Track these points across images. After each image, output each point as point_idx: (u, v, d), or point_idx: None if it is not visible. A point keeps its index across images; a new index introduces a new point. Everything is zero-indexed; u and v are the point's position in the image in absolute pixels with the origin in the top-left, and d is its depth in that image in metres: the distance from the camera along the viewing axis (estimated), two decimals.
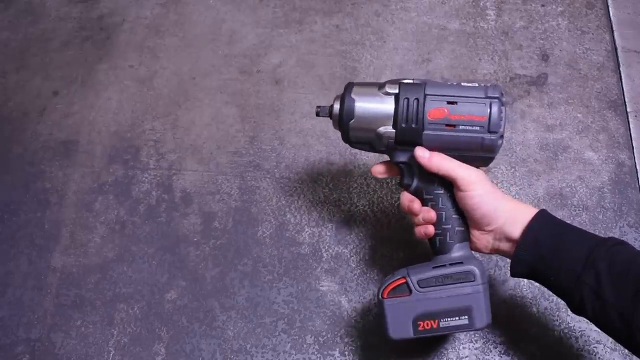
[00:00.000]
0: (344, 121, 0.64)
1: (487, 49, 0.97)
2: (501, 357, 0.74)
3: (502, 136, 0.61)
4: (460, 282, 0.61)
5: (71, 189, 0.91)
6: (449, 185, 0.63)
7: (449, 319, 0.61)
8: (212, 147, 0.93)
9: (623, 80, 0.92)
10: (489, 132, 0.60)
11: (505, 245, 0.62)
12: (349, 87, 0.64)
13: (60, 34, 1.06)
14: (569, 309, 0.59)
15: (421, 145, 0.62)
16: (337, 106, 0.65)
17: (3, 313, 0.82)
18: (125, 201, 0.89)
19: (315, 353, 0.76)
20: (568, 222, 0.61)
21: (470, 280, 0.61)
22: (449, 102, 0.61)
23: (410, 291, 0.62)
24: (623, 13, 0.98)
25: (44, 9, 1.10)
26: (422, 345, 0.75)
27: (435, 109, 0.61)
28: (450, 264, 0.62)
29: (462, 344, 0.75)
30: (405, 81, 0.63)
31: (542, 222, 0.59)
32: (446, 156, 0.62)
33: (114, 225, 0.88)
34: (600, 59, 0.94)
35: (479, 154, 0.62)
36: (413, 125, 0.61)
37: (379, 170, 0.68)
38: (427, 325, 0.61)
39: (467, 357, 0.75)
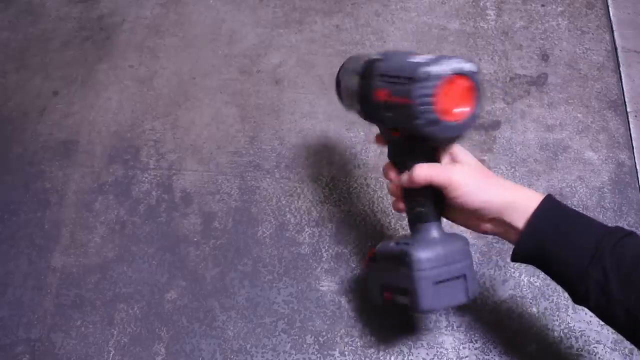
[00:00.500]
0: (339, 94, 0.69)
1: (487, 49, 0.97)
2: (501, 357, 0.74)
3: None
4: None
5: (71, 189, 0.91)
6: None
7: (398, 296, 0.62)
8: (212, 147, 0.93)
9: (623, 80, 0.92)
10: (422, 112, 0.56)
11: (507, 232, 0.59)
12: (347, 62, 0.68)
13: (60, 34, 1.06)
14: (570, 300, 0.57)
15: (383, 122, 0.61)
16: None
17: (3, 313, 0.82)
18: (125, 201, 0.89)
19: (315, 353, 0.76)
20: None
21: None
22: (385, 85, 0.58)
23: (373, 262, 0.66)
24: (623, 13, 0.98)
25: (44, 9, 1.10)
26: (421, 345, 0.75)
27: (379, 90, 0.58)
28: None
29: (462, 343, 0.75)
30: (372, 57, 0.61)
31: (548, 210, 0.57)
32: (426, 165, 0.59)
33: (114, 225, 0.88)
34: (600, 59, 0.94)
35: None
36: (369, 102, 0.61)
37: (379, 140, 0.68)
38: (388, 297, 0.64)
39: (467, 357, 0.75)
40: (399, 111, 0.56)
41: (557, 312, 0.76)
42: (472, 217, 0.60)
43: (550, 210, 0.57)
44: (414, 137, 0.57)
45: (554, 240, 0.56)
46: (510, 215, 0.57)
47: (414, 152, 0.60)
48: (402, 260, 0.59)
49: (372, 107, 0.60)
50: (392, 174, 0.65)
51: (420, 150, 0.60)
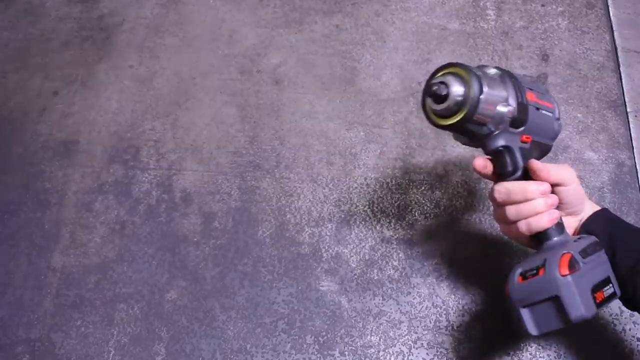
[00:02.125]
0: (471, 103, 0.55)
1: (487, 49, 0.97)
2: (501, 357, 0.74)
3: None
4: (598, 252, 0.58)
5: (71, 189, 0.91)
6: None
7: (605, 288, 0.56)
8: (212, 147, 0.93)
9: (623, 80, 0.92)
10: (556, 119, 0.65)
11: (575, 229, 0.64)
12: (467, 68, 0.56)
13: (60, 34, 1.06)
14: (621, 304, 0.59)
15: (525, 124, 0.60)
16: (460, 89, 0.55)
17: (3, 313, 0.82)
18: (125, 201, 0.89)
19: (315, 353, 0.76)
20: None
21: (600, 249, 0.59)
22: (529, 89, 0.61)
23: (578, 264, 0.55)
24: (623, 13, 0.98)
25: (44, 9, 1.10)
26: (421, 345, 0.75)
27: (528, 92, 0.60)
28: (579, 238, 0.59)
29: (462, 343, 0.75)
30: (490, 70, 0.60)
31: (602, 217, 0.62)
32: (551, 164, 0.61)
33: (114, 225, 0.88)
34: (600, 59, 0.94)
35: (549, 143, 0.66)
36: (525, 102, 0.60)
37: (481, 164, 0.61)
38: (599, 298, 0.55)
39: (467, 357, 0.75)
40: (545, 111, 0.62)
41: None
42: (569, 215, 0.63)
43: (606, 216, 0.62)
44: (538, 143, 0.63)
45: (604, 240, 0.59)
46: (580, 213, 0.63)
47: (532, 158, 0.62)
48: (597, 249, 0.58)
49: (524, 107, 0.59)
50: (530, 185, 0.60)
51: (537, 156, 0.64)
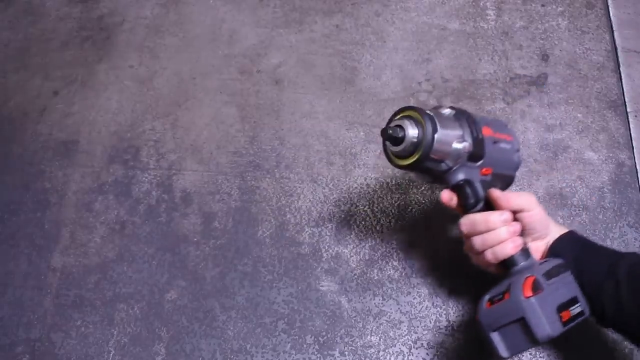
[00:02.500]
0: (426, 143, 0.58)
1: (487, 49, 0.97)
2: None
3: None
4: (563, 273, 0.60)
5: (71, 189, 0.91)
6: None
7: (572, 307, 0.58)
8: (212, 147, 0.93)
9: (623, 80, 0.92)
10: (516, 150, 0.68)
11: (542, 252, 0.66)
12: (421, 111, 0.59)
13: (60, 34, 1.06)
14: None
15: (483, 157, 0.63)
16: (415, 131, 0.58)
17: (3, 313, 0.82)
18: (125, 201, 0.89)
19: (315, 353, 0.76)
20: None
21: (566, 270, 0.61)
22: (486, 125, 0.64)
23: (542, 286, 0.57)
24: (623, 13, 0.98)
25: (44, 9, 1.10)
26: (421, 345, 0.75)
27: (484, 127, 0.64)
28: (544, 262, 0.62)
29: (462, 343, 0.75)
30: (444, 110, 0.64)
31: (569, 238, 0.64)
32: (510, 192, 0.64)
33: (114, 225, 0.88)
34: (600, 59, 0.94)
35: (511, 173, 0.69)
36: (480, 137, 0.63)
37: (447, 197, 0.64)
38: (565, 317, 0.57)
39: (467, 357, 0.75)
40: (503, 144, 0.66)
41: None
42: (534, 240, 0.65)
43: (572, 237, 0.64)
44: (498, 175, 0.66)
45: (574, 257, 0.61)
46: (546, 236, 0.65)
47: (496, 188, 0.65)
48: (562, 270, 0.61)
49: (480, 141, 0.62)
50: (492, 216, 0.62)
51: (502, 187, 0.67)
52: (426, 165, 0.59)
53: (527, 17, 0.99)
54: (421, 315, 0.77)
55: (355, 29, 1.01)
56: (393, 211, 0.85)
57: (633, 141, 0.87)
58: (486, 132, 0.64)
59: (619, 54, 0.94)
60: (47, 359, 0.79)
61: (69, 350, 0.79)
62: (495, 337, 0.57)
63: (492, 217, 0.61)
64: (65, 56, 1.04)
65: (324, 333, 0.78)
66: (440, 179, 0.63)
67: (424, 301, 0.78)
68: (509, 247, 0.60)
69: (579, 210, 0.82)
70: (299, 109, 0.95)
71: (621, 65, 0.93)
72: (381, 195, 0.86)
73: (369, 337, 0.77)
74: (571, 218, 0.82)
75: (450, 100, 0.92)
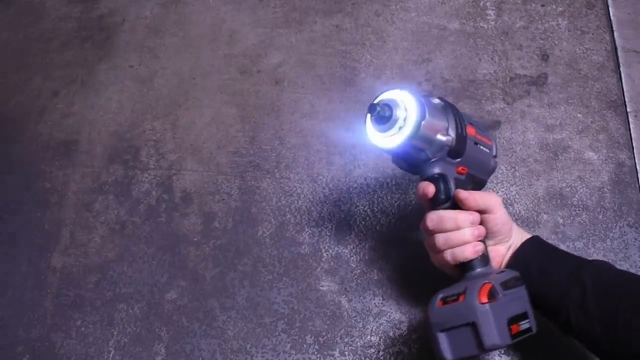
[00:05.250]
0: (412, 127, 0.56)
1: (487, 49, 0.97)
2: (501, 357, 0.74)
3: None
4: (518, 286, 0.60)
5: (71, 189, 0.91)
6: None
7: (522, 322, 0.58)
8: (212, 147, 0.93)
9: (623, 80, 0.92)
10: (493, 156, 0.68)
11: (506, 259, 0.65)
12: (412, 94, 0.58)
13: (60, 34, 1.06)
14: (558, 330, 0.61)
15: (462, 155, 0.63)
16: (403, 113, 0.57)
17: (3, 313, 0.82)
18: (125, 201, 0.89)
19: (315, 353, 0.76)
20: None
21: (521, 285, 0.61)
22: (470, 124, 0.64)
23: (498, 295, 0.56)
24: (623, 13, 0.98)
25: (44, 9, 1.10)
26: (420, 346, 0.75)
27: (469, 126, 0.63)
28: (502, 271, 0.62)
29: None
30: (434, 100, 0.63)
31: (532, 245, 0.64)
32: (476, 192, 0.63)
33: (114, 225, 0.88)
34: (600, 59, 0.94)
35: (484, 177, 0.69)
36: (464, 134, 0.62)
37: (427, 188, 0.62)
38: (514, 330, 0.56)
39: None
40: (483, 147, 0.66)
41: None
42: (498, 243, 0.65)
43: (536, 244, 0.64)
44: (472, 176, 0.66)
45: (536, 269, 0.61)
46: (518, 240, 0.65)
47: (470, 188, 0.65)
48: (518, 284, 0.60)
49: (463, 138, 0.62)
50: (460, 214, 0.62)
51: (472, 189, 0.67)
52: (406, 150, 0.58)
53: (527, 17, 0.99)
54: (421, 315, 0.77)
55: (355, 29, 1.01)
56: (393, 211, 0.85)
57: (633, 141, 0.87)
58: (470, 131, 0.63)
59: (619, 54, 0.94)
60: (47, 359, 0.79)
61: (69, 350, 0.79)
62: (442, 337, 0.56)
63: (461, 215, 0.60)
64: (65, 56, 1.04)
65: (324, 333, 0.78)
66: (416, 168, 0.62)
67: (425, 301, 0.78)
68: (469, 251, 0.60)
69: (579, 210, 0.82)
70: (299, 109, 0.95)
71: (621, 65, 0.93)
72: (381, 195, 0.86)
73: (369, 337, 0.77)
74: (571, 218, 0.82)
75: (450, 100, 0.91)
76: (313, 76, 0.97)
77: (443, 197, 0.62)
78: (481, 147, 0.66)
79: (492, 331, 0.54)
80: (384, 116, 0.57)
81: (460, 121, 0.62)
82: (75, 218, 0.89)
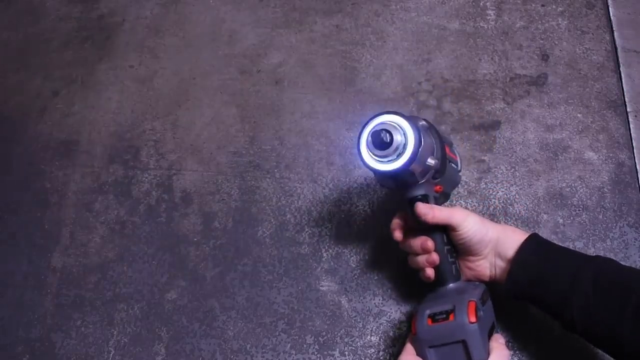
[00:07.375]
0: (411, 153, 0.57)
1: (487, 49, 0.97)
2: None
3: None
4: (489, 299, 0.65)
5: (71, 189, 0.91)
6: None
7: (493, 332, 0.63)
8: (212, 147, 0.93)
9: (623, 80, 0.92)
10: (458, 170, 0.71)
11: (501, 266, 0.65)
12: (408, 119, 0.59)
13: (60, 34, 1.07)
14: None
15: (442, 176, 0.64)
16: (402, 138, 0.58)
17: (3, 313, 0.82)
18: (125, 201, 0.89)
19: (315, 353, 0.76)
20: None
21: (488, 297, 0.65)
22: (446, 143, 0.67)
23: (480, 312, 0.59)
24: (623, 13, 0.98)
25: (44, 9, 1.10)
26: None
27: (446, 145, 0.65)
28: (473, 285, 0.66)
29: None
30: (420, 122, 0.63)
31: (533, 243, 0.63)
32: (438, 207, 0.64)
33: (114, 225, 0.88)
34: (600, 59, 0.94)
35: (450, 192, 0.73)
36: (445, 156, 0.64)
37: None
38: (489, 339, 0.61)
39: None
40: (453, 164, 0.68)
41: None
42: (471, 255, 0.65)
43: (535, 243, 0.63)
44: (444, 193, 0.68)
45: (538, 270, 0.61)
46: (502, 246, 0.63)
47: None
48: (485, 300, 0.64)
49: (445, 160, 0.64)
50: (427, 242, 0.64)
51: (444, 201, 0.70)
52: (401, 175, 0.59)
53: (527, 17, 0.99)
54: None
55: (355, 29, 1.01)
56: (393, 211, 0.84)
57: (633, 141, 0.87)
58: (447, 151, 0.65)
59: (619, 54, 0.94)
60: (47, 359, 0.79)
61: (69, 350, 0.79)
62: (431, 353, 0.59)
63: (414, 242, 0.64)
64: (65, 56, 1.04)
65: (324, 333, 0.78)
66: (402, 190, 0.63)
67: None
68: (423, 276, 0.65)
69: (579, 210, 0.82)
70: (299, 109, 0.95)
71: (621, 65, 0.93)
72: (381, 195, 0.86)
73: (369, 337, 0.77)
74: (571, 218, 0.82)
75: (450, 100, 0.92)
76: (313, 76, 0.97)
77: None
78: (452, 164, 0.68)
79: (480, 347, 0.57)
80: (385, 142, 0.57)
81: (441, 142, 0.63)
82: (75, 218, 0.89)
